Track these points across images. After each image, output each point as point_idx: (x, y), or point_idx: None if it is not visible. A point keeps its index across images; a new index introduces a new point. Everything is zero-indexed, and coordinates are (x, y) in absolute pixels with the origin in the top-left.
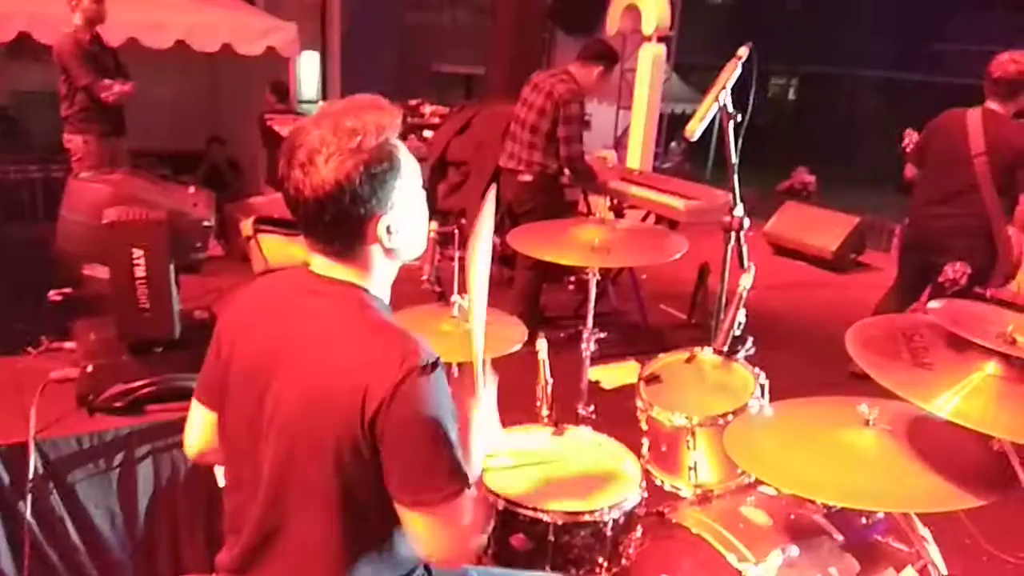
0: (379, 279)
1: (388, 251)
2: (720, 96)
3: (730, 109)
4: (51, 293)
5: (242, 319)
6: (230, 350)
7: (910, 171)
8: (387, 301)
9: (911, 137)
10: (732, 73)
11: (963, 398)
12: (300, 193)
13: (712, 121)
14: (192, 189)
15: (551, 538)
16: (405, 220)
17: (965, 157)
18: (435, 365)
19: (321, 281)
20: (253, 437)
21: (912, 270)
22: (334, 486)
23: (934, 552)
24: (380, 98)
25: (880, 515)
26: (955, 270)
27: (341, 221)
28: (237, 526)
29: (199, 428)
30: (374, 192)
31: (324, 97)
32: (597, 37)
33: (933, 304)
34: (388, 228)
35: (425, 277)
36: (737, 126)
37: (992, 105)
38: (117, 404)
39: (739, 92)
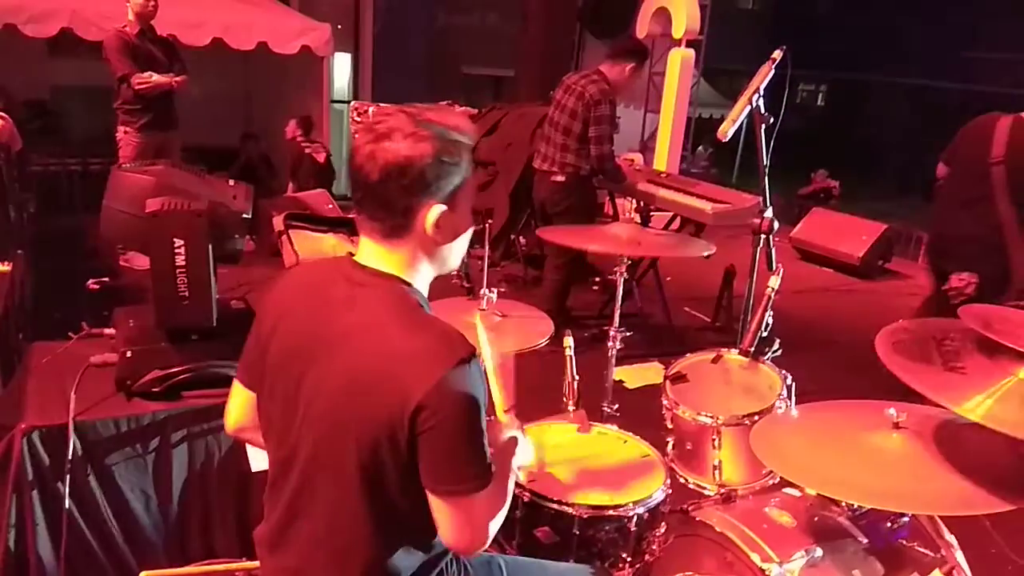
0: (421, 277)
1: (431, 246)
2: (753, 98)
3: (763, 111)
4: (90, 282)
5: (284, 303)
6: (270, 333)
7: (942, 170)
8: (427, 299)
9: None
10: (766, 75)
11: (995, 402)
12: (370, 162)
13: (741, 125)
14: (232, 182)
15: (576, 531)
16: (454, 223)
17: (984, 164)
18: (474, 359)
19: (365, 272)
20: (288, 420)
21: (934, 275)
22: (366, 473)
23: (960, 557)
24: (464, 112)
25: (905, 520)
26: (960, 279)
27: (398, 197)
28: (273, 503)
29: (238, 406)
30: (437, 179)
31: (355, 97)
32: (628, 36)
33: (964, 309)
34: (437, 221)
35: (454, 273)
36: (769, 128)
37: None
38: (155, 389)
39: (770, 96)
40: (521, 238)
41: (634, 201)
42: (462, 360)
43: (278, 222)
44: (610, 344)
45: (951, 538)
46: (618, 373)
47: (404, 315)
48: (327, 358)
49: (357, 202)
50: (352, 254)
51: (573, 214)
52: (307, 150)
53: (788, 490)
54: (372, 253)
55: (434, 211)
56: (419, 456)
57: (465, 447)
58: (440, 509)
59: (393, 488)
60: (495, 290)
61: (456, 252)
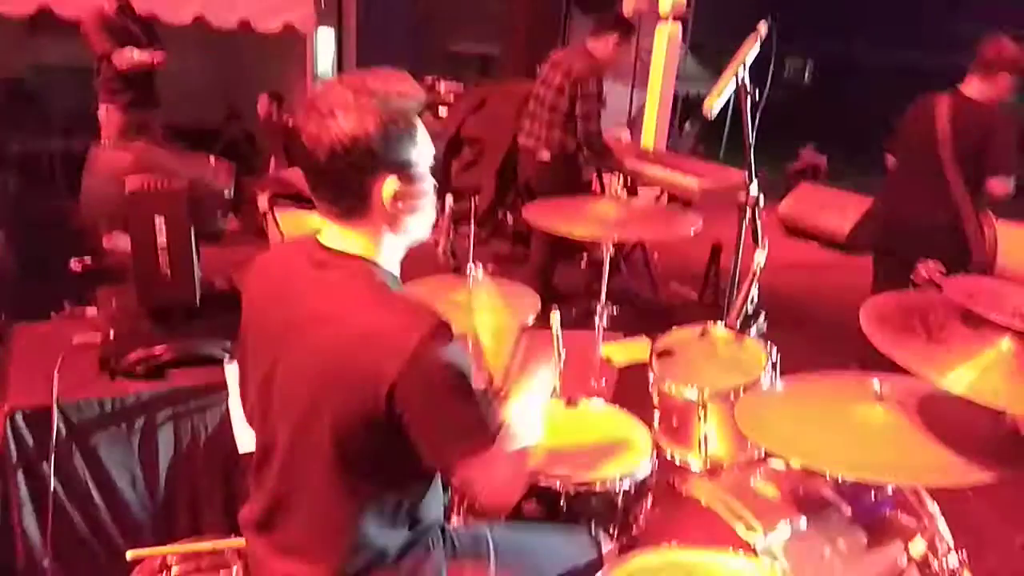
0: (387, 253)
1: (393, 221)
2: (738, 72)
3: (748, 85)
4: (72, 262)
5: (254, 290)
6: (246, 321)
7: (890, 160)
8: (397, 276)
9: None
10: (751, 49)
11: (978, 373)
12: (315, 145)
13: (728, 101)
14: (212, 160)
15: (563, 505)
16: (413, 193)
17: (931, 141)
18: (447, 330)
19: (330, 254)
20: (265, 406)
21: (887, 256)
22: (345, 455)
23: (942, 526)
24: (406, 73)
25: (889, 490)
26: (928, 269)
27: (350, 176)
28: (258, 485)
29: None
30: (387, 152)
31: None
32: (612, 10)
33: (948, 281)
34: (395, 194)
35: (441, 250)
36: (754, 103)
37: (967, 88)
38: (138, 369)
39: (757, 70)
40: (508, 215)
41: (621, 177)
42: (432, 333)
43: (263, 201)
44: (597, 320)
45: (934, 507)
46: (605, 349)
47: (370, 295)
48: (297, 344)
49: (310, 186)
50: (318, 234)
51: (559, 193)
52: (290, 122)
53: (773, 462)
54: (336, 234)
55: (389, 184)
56: (409, 435)
57: (449, 418)
58: (447, 478)
59: (374, 468)
60: (480, 266)
61: (422, 221)
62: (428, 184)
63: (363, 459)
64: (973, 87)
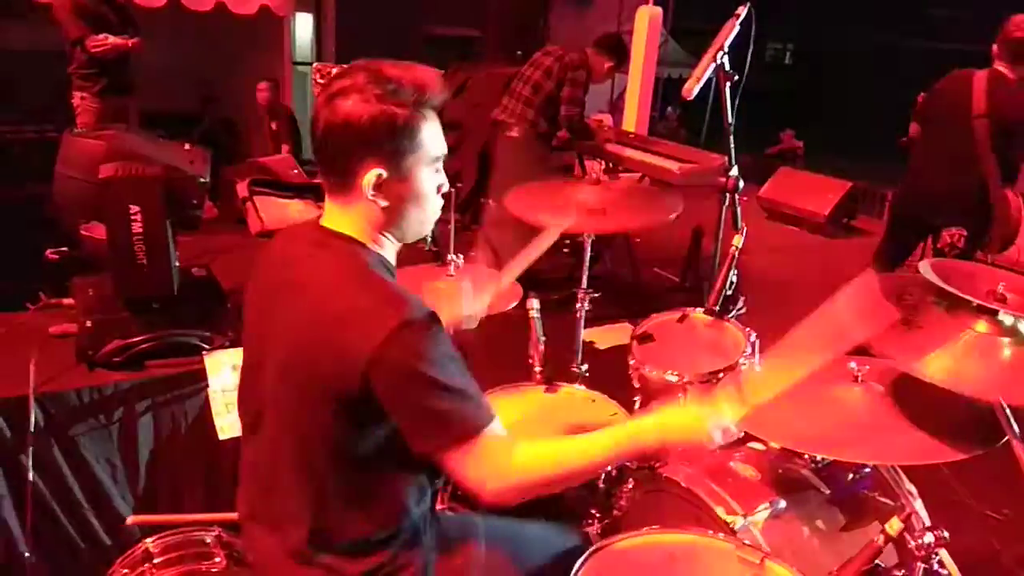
0: (377, 240)
1: (376, 211)
2: (717, 56)
3: (727, 68)
4: (48, 252)
5: (256, 273)
6: (249, 303)
7: (913, 129)
8: (392, 262)
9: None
10: (730, 32)
11: (953, 356)
12: (316, 119)
13: (709, 84)
14: (187, 146)
15: None
16: (397, 188)
17: (965, 118)
18: (428, 319)
19: (326, 234)
20: (253, 390)
21: (905, 229)
22: (327, 439)
23: (919, 505)
24: (434, 70)
25: (867, 471)
26: (951, 235)
27: (337, 155)
28: (246, 471)
29: None
30: (379, 141)
31: (318, 58)
32: (618, 33)
33: (924, 263)
34: (376, 183)
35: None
36: (734, 86)
37: (1000, 68)
38: (116, 359)
39: (739, 54)
40: (490, 201)
41: (603, 162)
42: (411, 319)
43: (242, 188)
44: (579, 306)
45: (910, 487)
46: (588, 334)
47: (355, 276)
48: (282, 325)
49: (316, 158)
50: (320, 217)
51: (521, 171)
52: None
53: (753, 444)
54: (331, 212)
55: (371, 173)
56: (395, 421)
57: (429, 407)
58: (435, 465)
59: (360, 454)
60: (461, 255)
61: (412, 220)
62: (420, 186)
63: (344, 444)
64: (1006, 68)
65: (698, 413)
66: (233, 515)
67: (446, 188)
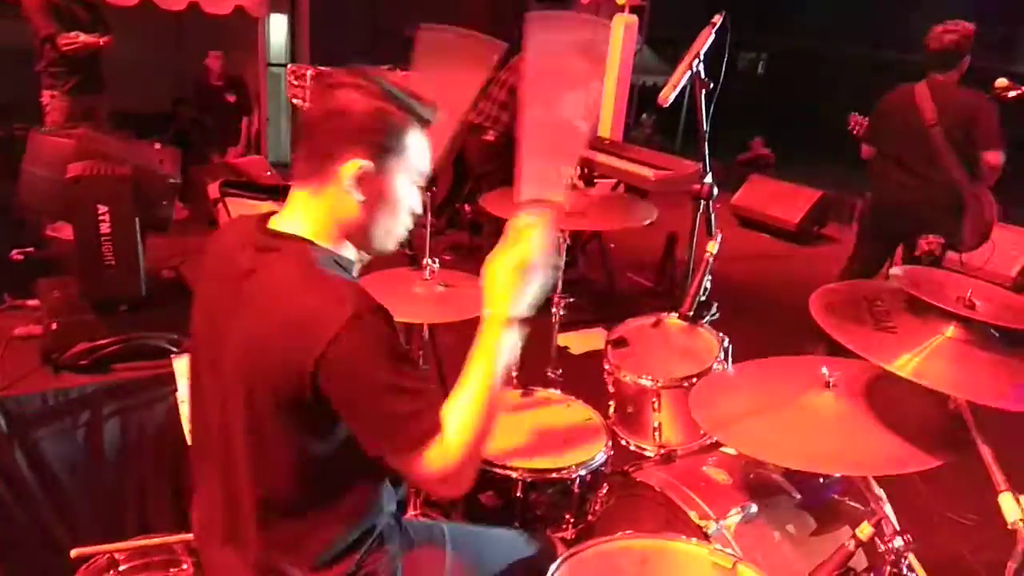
0: (336, 240)
1: (350, 207)
2: (693, 63)
3: (703, 76)
4: (13, 252)
5: (201, 274)
6: (196, 306)
7: (866, 151)
8: (351, 260)
9: (857, 120)
10: (706, 40)
11: (923, 359)
12: (310, 106)
13: (683, 91)
14: (158, 146)
15: (519, 495)
16: (377, 186)
17: (921, 129)
18: (375, 314)
19: (272, 237)
20: (201, 398)
21: (877, 241)
22: (288, 445)
23: (889, 510)
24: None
25: (837, 476)
26: (928, 243)
27: (324, 140)
28: (197, 483)
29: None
30: (369, 133)
31: (293, 60)
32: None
33: (895, 270)
34: (357, 174)
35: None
36: (709, 94)
37: (936, 76)
38: (83, 362)
39: (713, 62)
40: (466, 205)
41: (578, 168)
42: (356, 317)
43: (213, 189)
44: (554, 310)
45: (880, 492)
46: (563, 339)
47: (300, 280)
48: (231, 333)
49: (294, 145)
50: (270, 214)
51: (501, 177)
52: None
53: (725, 449)
54: (292, 205)
55: (354, 163)
56: (348, 424)
57: (378, 407)
58: (390, 467)
59: (316, 458)
60: (437, 260)
61: (380, 225)
62: (397, 191)
63: (300, 448)
64: (940, 76)
65: (508, 280)
66: (189, 536)
67: (418, 211)
